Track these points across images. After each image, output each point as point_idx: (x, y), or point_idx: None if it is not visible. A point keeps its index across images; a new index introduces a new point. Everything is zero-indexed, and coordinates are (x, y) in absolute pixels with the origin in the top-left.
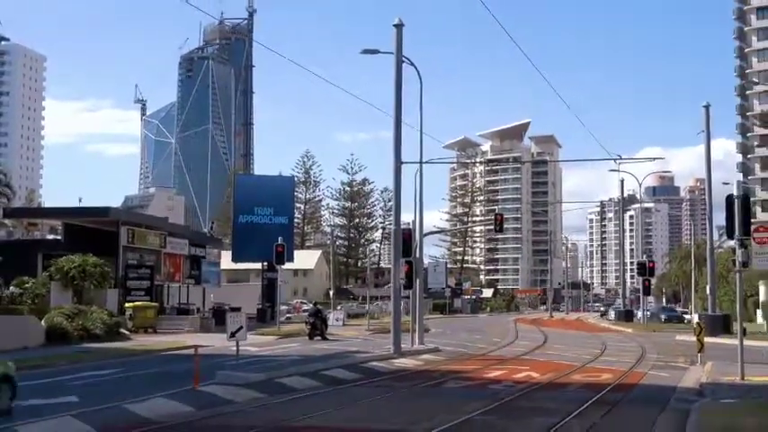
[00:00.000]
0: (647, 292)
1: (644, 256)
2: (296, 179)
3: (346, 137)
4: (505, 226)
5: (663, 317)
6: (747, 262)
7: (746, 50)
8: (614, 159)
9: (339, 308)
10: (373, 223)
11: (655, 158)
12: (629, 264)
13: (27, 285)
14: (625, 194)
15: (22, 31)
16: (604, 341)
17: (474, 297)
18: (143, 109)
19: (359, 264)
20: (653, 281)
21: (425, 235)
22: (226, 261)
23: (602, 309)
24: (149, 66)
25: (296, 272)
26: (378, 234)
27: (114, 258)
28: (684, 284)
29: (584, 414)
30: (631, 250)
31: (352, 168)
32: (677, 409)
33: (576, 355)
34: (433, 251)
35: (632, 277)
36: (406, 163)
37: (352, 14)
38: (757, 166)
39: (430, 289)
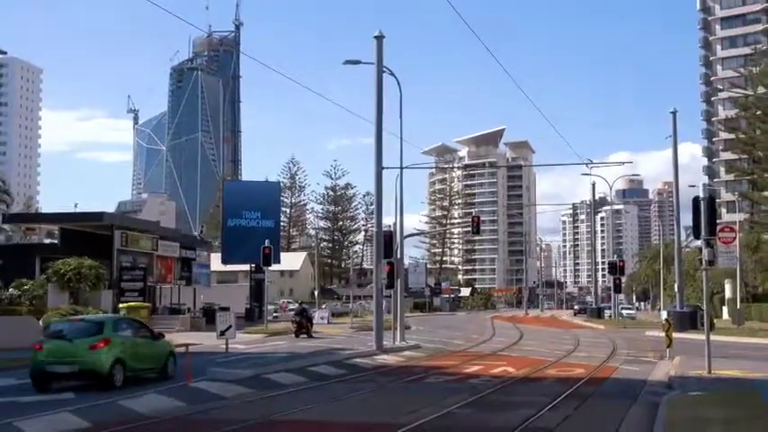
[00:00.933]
0: (617, 290)
1: (615, 256)
2: (282, 184)
3: (330, 143)
4: (482, 228)
5: None
6: (713, 261)
7: (711, 59)
8: (586, 164)
9: (324, 307)
10: (356, 226)
11: (624, 163)
12: (600, 263)
13: (26, 287)
14: (596, 197)
15: (19, 45)
16: (577, 337)
17: (452, 296)
18: (135, 118)
19: (342, 265)
20: (623, 279)
21: (406, 237)
22: (215, 263)
23: (576, 307)
24: (141, 77)
25: (282, 273)
26: (360, 236)
27: (109, 261)
28: (654, 282)
29: (559, 407)
30: (603, 250)
31: (335, 173)
32: (647, 401)
33: (550, 350)
34: (413, 252)
35: (604, 276)
36: (387, 168)
37: (335, 26)
38: (722, 170)
39: (410, 288)
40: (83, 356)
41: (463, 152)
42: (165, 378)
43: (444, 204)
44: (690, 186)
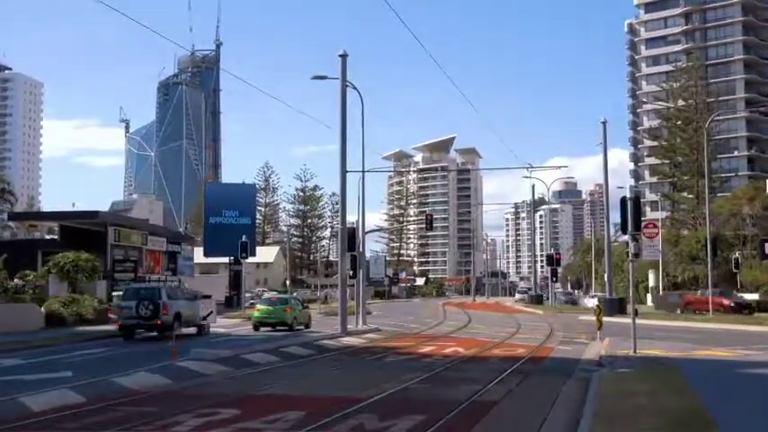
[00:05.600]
0: (554, 279)
1: (552, 250)
2: (257, 186)
3: (300, 150)
4: (435, 224)
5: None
6: (639, 253)
7: (637, 75)
8: (526, 168)
9: (295, 294)
10: (323, 223)
11: (561, 167)
12: (539, 255)
13: (29, 278)
14: (536, 197)
15: (23, 62)
16: (519, 321)
17: (409, 285)
18: (127, 127)
19: (311, 257)
20: (560, 270)
21: (367, 233)
22: (198, 256)
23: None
24: (132, 90)
25: (258, 265)
26: (327, 232)
27: (103, 254)
28: (586, 273)
29: (504, 382)
30: (541, 244)
31: (304, 176)
32: (581, 377)
33: (495, 332)
34: (374, 246)
35: (542, 267)
36: (351, 172)
37: (305, 43)
38: (647, 173)
39: (371, 278)
40: (280, 315)
41: (418, 157)
42: (308, 328)
43: (401, 204)
44: (618, 188)
